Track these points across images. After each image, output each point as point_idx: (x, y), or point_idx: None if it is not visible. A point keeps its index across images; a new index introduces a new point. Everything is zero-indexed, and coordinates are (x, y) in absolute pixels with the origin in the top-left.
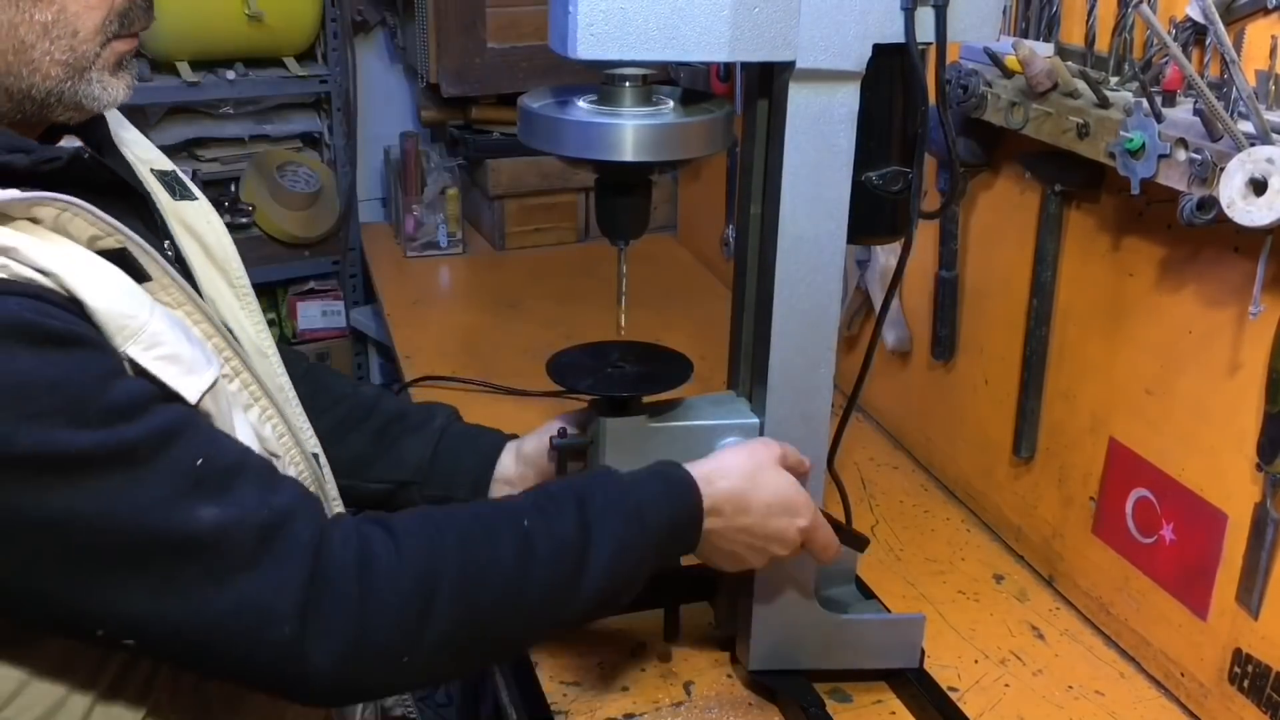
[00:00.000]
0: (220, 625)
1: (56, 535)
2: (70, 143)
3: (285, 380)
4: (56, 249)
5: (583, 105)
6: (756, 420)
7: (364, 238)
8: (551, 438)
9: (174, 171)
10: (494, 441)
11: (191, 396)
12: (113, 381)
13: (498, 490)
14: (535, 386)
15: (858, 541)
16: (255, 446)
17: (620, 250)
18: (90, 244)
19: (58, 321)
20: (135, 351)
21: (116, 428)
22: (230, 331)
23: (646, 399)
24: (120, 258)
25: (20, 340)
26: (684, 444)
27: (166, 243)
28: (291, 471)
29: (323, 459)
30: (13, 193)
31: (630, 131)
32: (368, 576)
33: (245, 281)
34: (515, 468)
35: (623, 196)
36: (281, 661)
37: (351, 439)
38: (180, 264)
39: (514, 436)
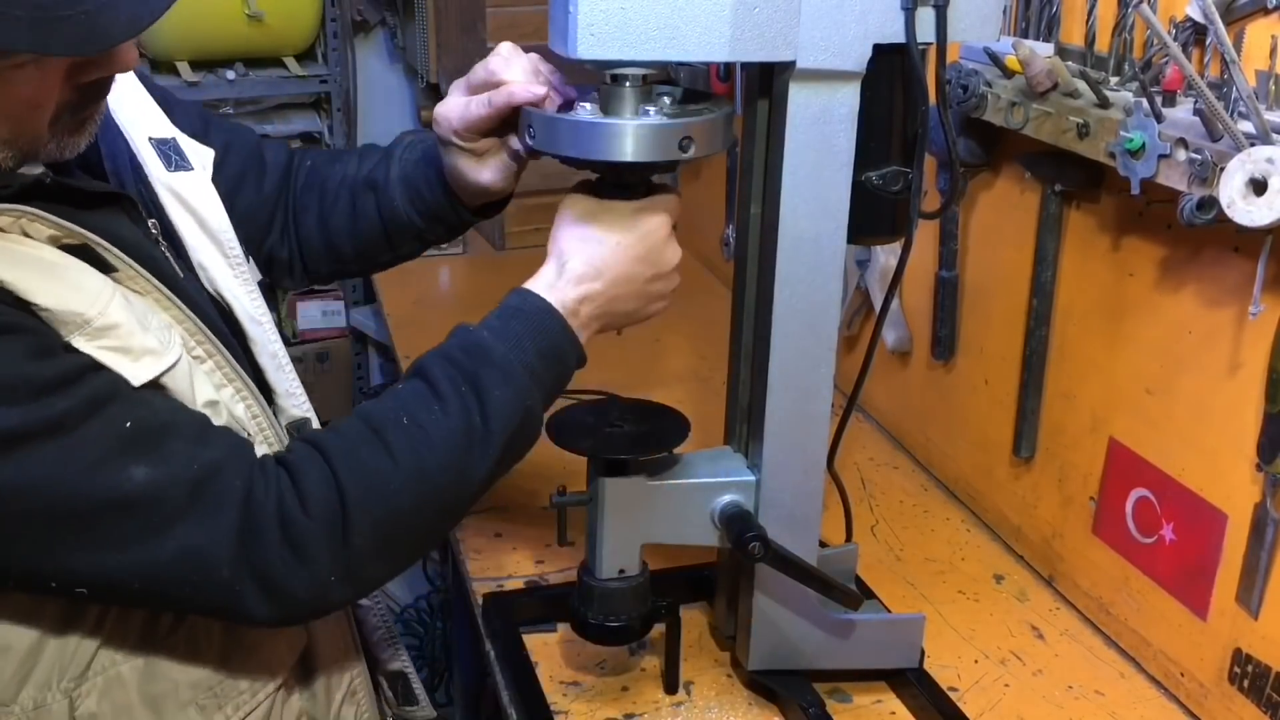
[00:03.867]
0: (163, 573)
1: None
2: (31, 168)
3: (279, 346)
4: (8, 251)
5: (583, 105)
6: (754, 478)
7: None
8: (552, 495)
9: (173, 140)
10: (434, 158)
11: (136, 380)
12: (44, 360)
13: (455, 185)
14: None
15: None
16: (225, 425)
17: None
18: (52, 242)
19: None
20: (80, 342)
21: (46, 401)
22: (224, 300)
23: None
24: (84, 253)
25: None
26: (682, 502)
27: (152, 221)
28: (260, 450)
29: (315, 423)
30: None
31: (630, 131)
32: (286, 519)
33: (238, 250)
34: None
35: (622, 197)
36: (223, 600)
37: (363, 226)
38: (169, 238)
39: None
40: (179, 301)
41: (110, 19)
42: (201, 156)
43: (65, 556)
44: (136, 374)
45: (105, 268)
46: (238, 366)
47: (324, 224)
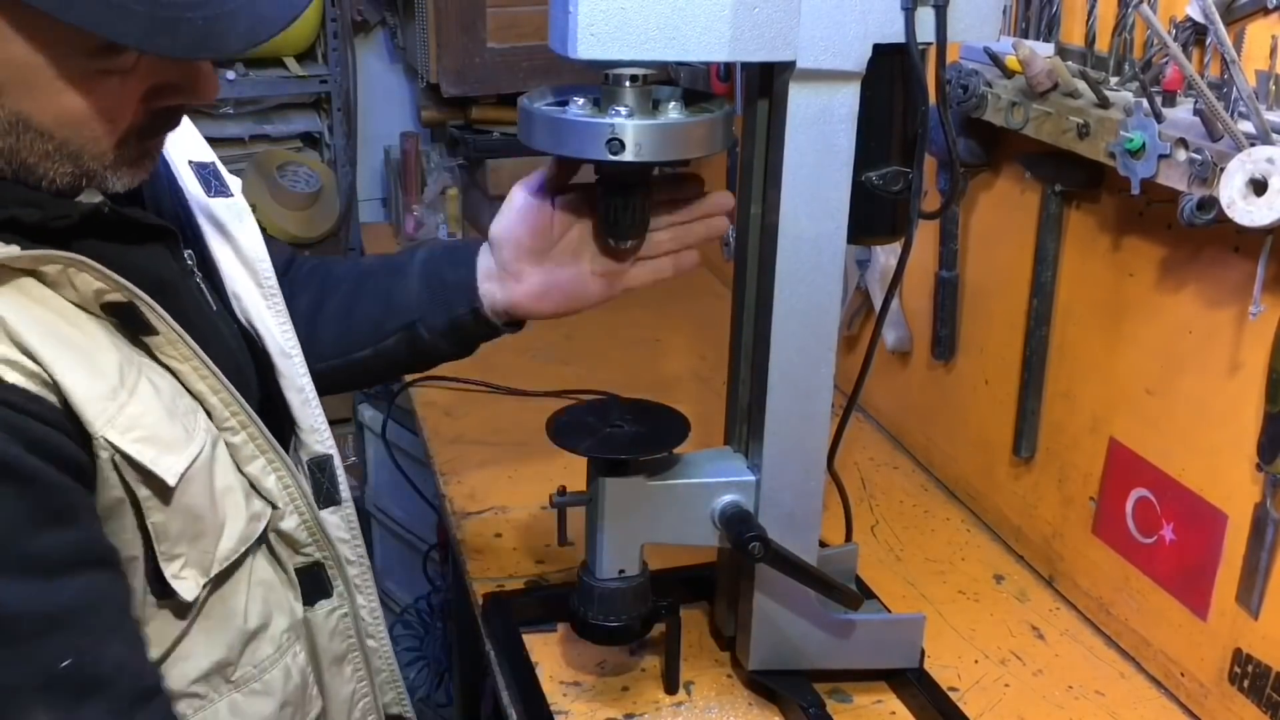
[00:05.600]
0: None
1: None
2: (91, 196)
3: (306, 380)
4: (43, 322)
5: (582, 105)
6: (754, 478)
7: (364, 238)
8: (552, 495)
9: (213, 165)
10: (470, 248)
11: (170, 479)
12: (41, 529)
13: (485, 288)
14: (535, 386)
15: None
16: (243, 512)
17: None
18: (96, 297)
19: (19, 443)
20: (113, 435)
21: (15, 585)
22: (255, 331)
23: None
24: (127, 310)
25: None
26: (682, 502)
27: (188, 253)
28: (291, 521)
29: (337, 460)
30: (13, 250)
31: (630, 131)
32: None
33: (273, 281)
34: (489, 264)
35: (623, 197)
36: None
37: (359, 310)
38: (205, 269)
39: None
40: (216, 370)
41: (228, 27)
42: (237, 184)
43: None
44: (169, 469)
45: (145, 328)
46: (271, 437)
47: (315, 310)
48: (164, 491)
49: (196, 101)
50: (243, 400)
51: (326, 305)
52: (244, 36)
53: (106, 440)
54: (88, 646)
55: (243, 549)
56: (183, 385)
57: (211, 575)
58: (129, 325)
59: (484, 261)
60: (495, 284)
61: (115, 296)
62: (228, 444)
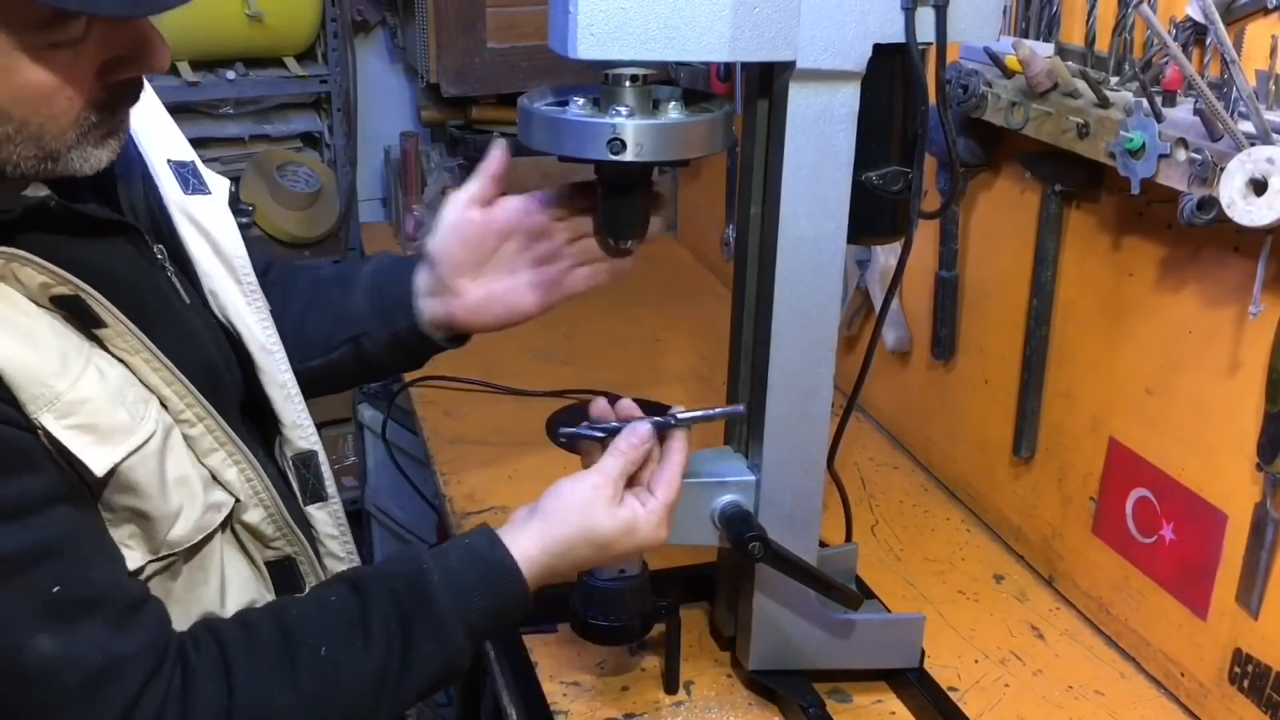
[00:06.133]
0: None
1: None
2: (37, 190)
3: (288, 376)
4: None
5: (583, 105)
6: (754, 478)
7: (364, 238)
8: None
9: (192, 164)
10: (412, 263)
11: (99, 469)
12: (7, 478)
13: (424, 303)
14: (535, 386)
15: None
16: (199, 501)
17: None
18: (41, 290)
19: None
20: (47, 420)
21: None
22: (234, 328)
23: None
24: (74, 303)
25: None
26: (682, 502)
27: (159, 247)
28: (256, 514)
29: (322, 456)
30: None
31: (630, 131)
32: None
33: (253, 278)
34: (427, 279)
35: (623, 196)
36: None
37: (312, 319)
38: (179, 264)
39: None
40: (168, 362)
41: None
42: (219, 184)
43: None
44: (102, 457)
45: (94, 321)
46: (228, 428)
47: (276, 317)
48: (94, 481)
49: (149, 71)
50: (198, 393)
51: (286, 312)
52: None
53: (40, 424)
54: (74, 572)
55: (198, 537)
56: (136, 377)
57: (160, 556)
58: (79, 318)
59: (422, 277)
60: (435, 299)
61: (61, 290)
62: (186, 436)
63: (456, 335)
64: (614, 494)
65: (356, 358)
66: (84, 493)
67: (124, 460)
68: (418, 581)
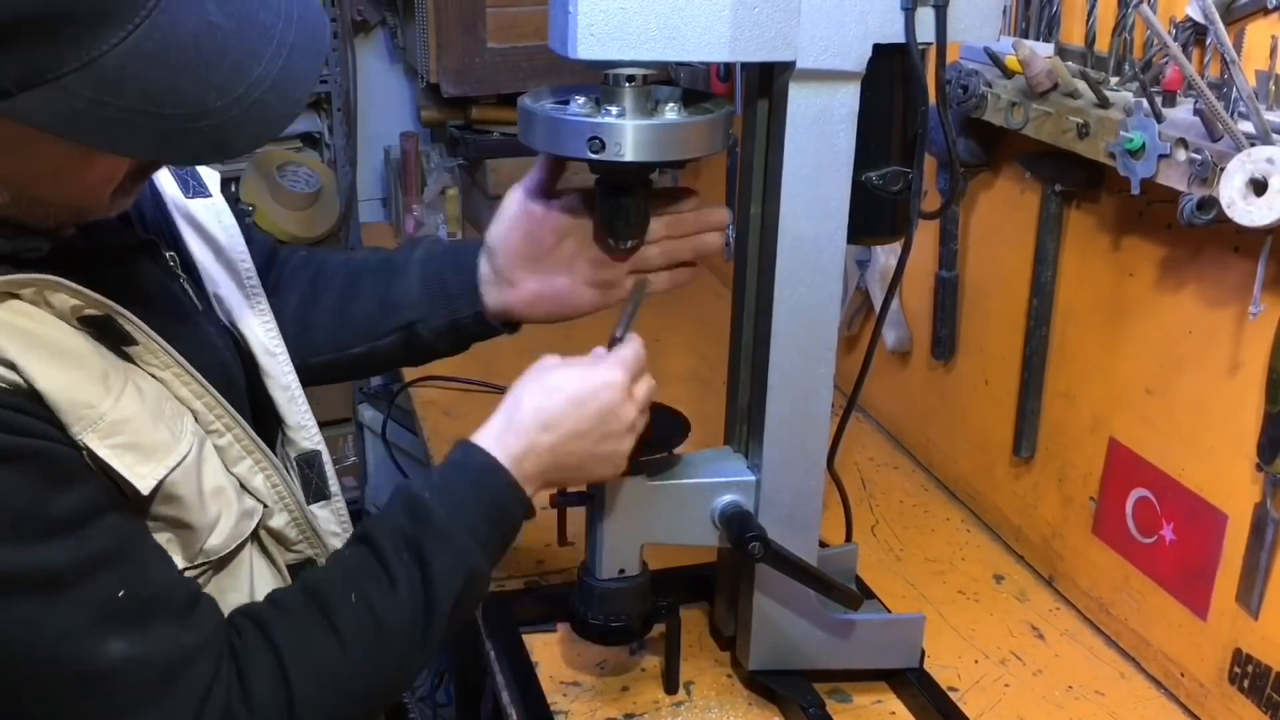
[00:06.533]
0: None
1: None
2: (63, 230)
3: (291, 378)
4: (23, 334)
5: (583, 104)
6: (754, 478)
7: (364, 238)
8: (552, 495)
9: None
10: (470, 251)
11: (144, 487)
12: (56, 493)
13: (484, 291)
14: None
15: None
16: (234, 510)
17: (623, 249)
18: (72, 313)
19: (6, 432)
20: (92, 441)
21: (49, 546)
22: (238, 331)
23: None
24: (105, 323)
25: None
26: (682, 502)
27: (170, 254)
28: (281, 519)
29: (325, 455)
30: None
31: (630, 131)
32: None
33: (255, 281)
34: (488, 269)
35: (619, 197)
36: None
37: (356, 307)
38: (187, 270)
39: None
40: (198, 375)
41: (233, 133)
42: (213, 179)
43: (15, 713)
44: (147, 476)
45: (125, 339)
46: (257, 438)
47: (308, 305)
48: (138, 498)
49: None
50: (226, 403)
51: (321, 301)
52: (250, 140)
53: (85, 446)
54: (133, 575)
55: (234, 545)
56: (169, 391)
57: (195, 564)
58: (110, 337)
59: (483, 265)
60: (493, 288)
61: (92, 311)
62: (215, 446)
63: (510, 323)
64: (562, 360)
65: (406, 344)
66: (127, 504)
67: (167, 476)
68: (413, 506)
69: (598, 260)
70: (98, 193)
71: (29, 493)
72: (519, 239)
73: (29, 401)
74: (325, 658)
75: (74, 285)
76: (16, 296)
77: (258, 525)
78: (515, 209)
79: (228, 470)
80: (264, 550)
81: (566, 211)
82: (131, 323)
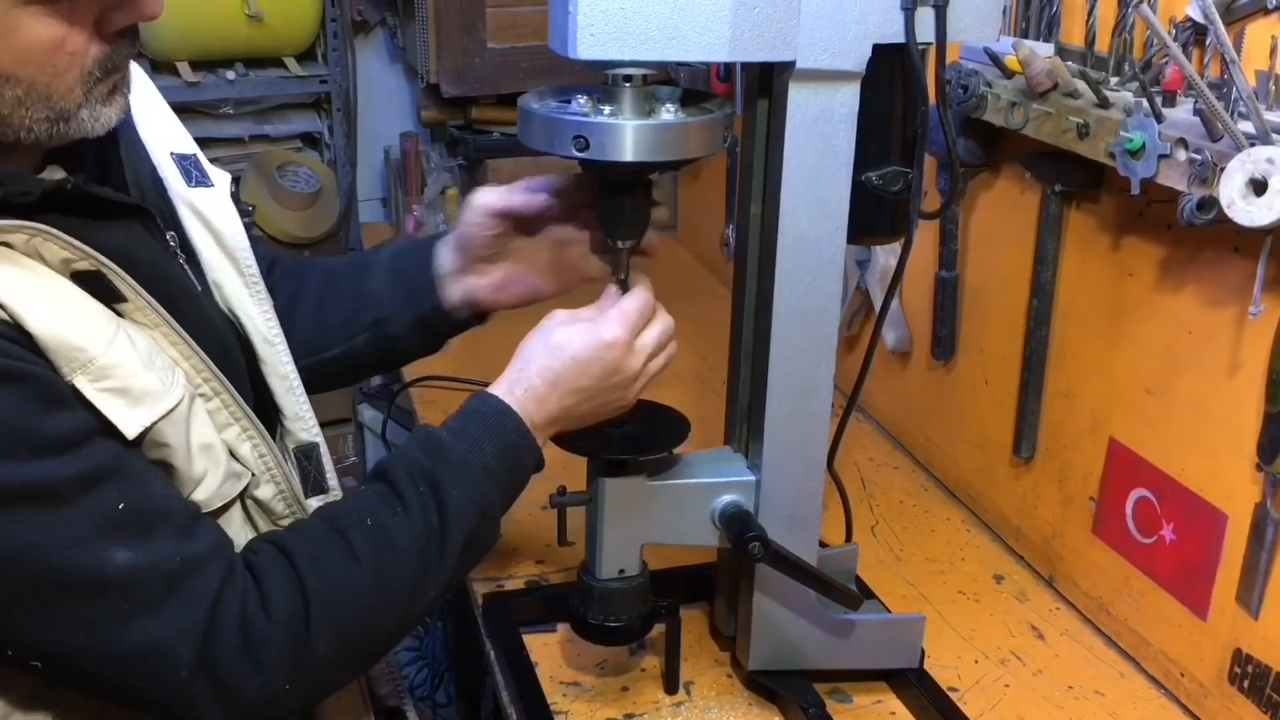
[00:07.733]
0: (121, 662)
1: None
2: (54, 173)
3: (290, 368)
4: (15, 278)
5: (582, 105)
6: (754, 478)
7: (364, 238)
8: (552, 495)
9: (194, 156)
10: (430, 244)
11: (130, 431)
12: (50, 414)
13: (446, 282)
14: None
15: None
16: (221, 469)
17: (620, 248)
18: (64, 266)
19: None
20: (81, 383)
21: (47, 462)
22: (237, 319)
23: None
24: (95, 279)
25: None
26: (682, 502)
27: (170, 234)
28: (268, 490)
29: (323, 448)
30: None
31: (630, 131)
32: (248, 625)
33: (255, 270)
34: (452, 260)
35: (617, 196)
36: (176, 700)
37: (330, 307)
38: (187, 253)
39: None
40: (187, 336)
41: None
42: (222, 176)
43: (26, 628)
44: (134, 420)
45: (115, 296)
46: (244, 404)
47: (290, 308)
48: (125, 443)
49: (143, 18)
50: (215, 368)
51: (300, 303)
52: None
53: (74, 387)
54: (133, 489)
55: (218, 504)
56: (159, 347)
57: None
58: (100, 294)
59: (445, 257)
60: (457, 279)
61: (83, 265)
62: (205, 410)
63: (478, 313)
64: (568, 315)
65: (377, 342)
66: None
67: (154, 424)
68: (430, 442)
69: (559, 242)
70: (66, 71)
71: (25, 410)
72: (481, 227)
73: (20, 336)
74: (340, 572)
75: (66, 238)
76: (9, 245)
77: (245, 492)
78: (479, 200)
79: (217, 433)
80: (250, 521)
81: (526, 197)
82: (121, 279)
